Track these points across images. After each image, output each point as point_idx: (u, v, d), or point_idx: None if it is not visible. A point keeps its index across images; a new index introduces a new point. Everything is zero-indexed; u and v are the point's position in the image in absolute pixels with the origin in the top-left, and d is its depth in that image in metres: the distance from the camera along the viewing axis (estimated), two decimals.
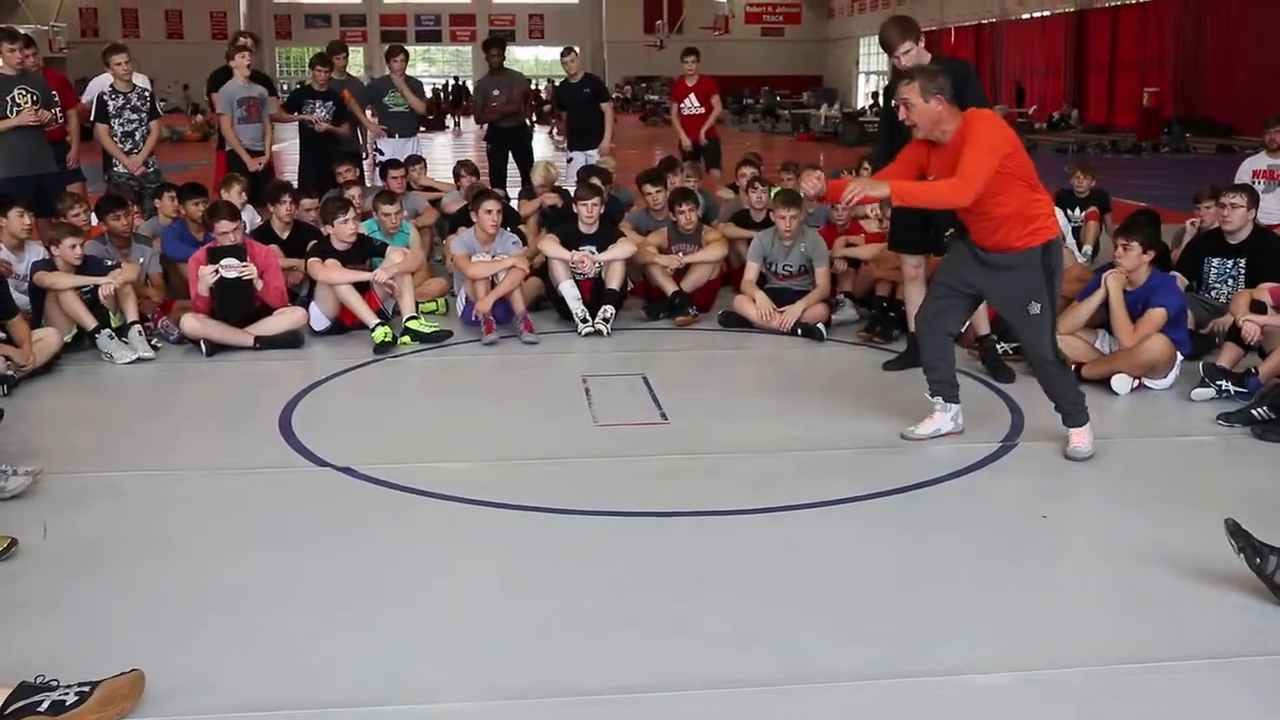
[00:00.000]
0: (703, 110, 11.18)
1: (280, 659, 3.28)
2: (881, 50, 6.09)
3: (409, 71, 10.88)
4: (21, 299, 6.73)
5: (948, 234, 6.05)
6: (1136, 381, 5.93)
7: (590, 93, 10.98)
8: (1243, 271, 6.65)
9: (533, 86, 38.61)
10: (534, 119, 20.20)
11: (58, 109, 8.76)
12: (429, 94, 45.40)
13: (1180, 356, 5.97)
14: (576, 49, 11.22)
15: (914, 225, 6.14)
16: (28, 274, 6.90)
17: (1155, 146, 25.11)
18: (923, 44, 5.95)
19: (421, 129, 11.64)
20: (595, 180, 8.49)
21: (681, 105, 11.29)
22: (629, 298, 7.91)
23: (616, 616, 3.55)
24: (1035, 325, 4.85)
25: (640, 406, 5.84)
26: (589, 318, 7.31)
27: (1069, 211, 8.84)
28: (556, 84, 11.75)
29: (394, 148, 10.43)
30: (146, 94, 9.07)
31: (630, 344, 7.21)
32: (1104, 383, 5.94)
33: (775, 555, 4.04)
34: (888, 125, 6.21)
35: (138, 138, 8.89)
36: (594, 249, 7.54)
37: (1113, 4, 32.07)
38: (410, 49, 56.59)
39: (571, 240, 7.57)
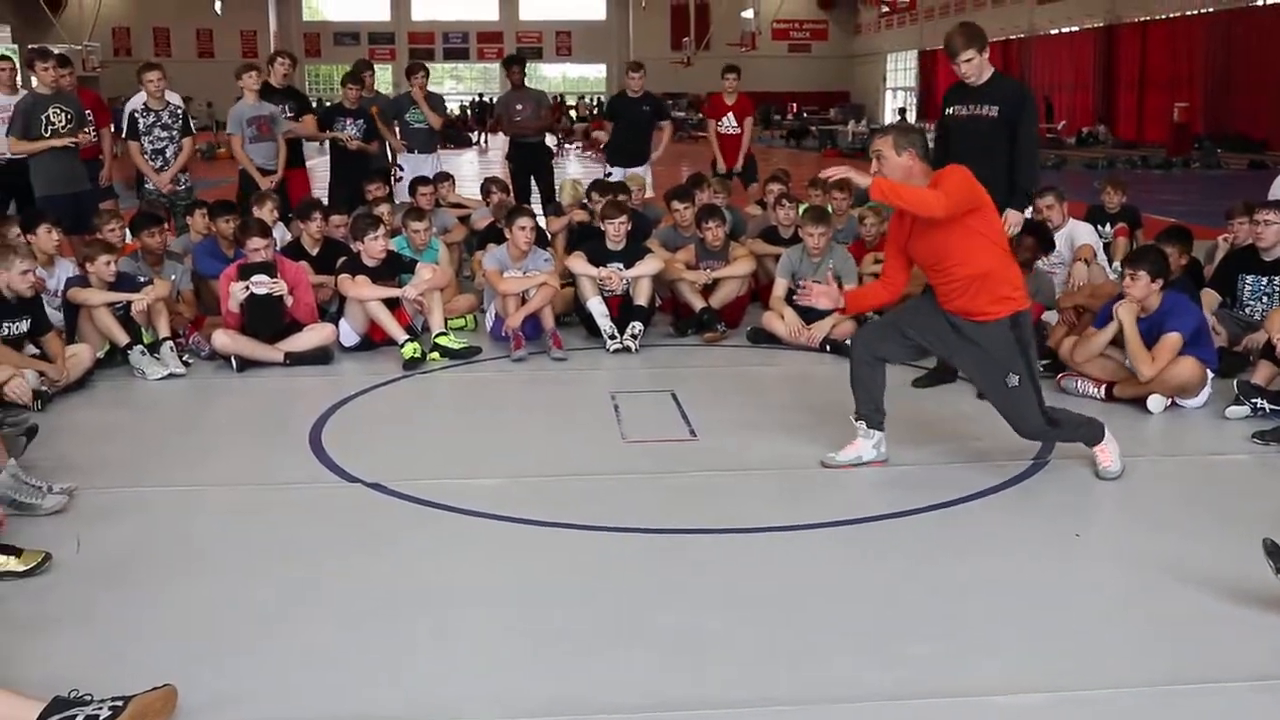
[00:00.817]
0: (739, 130, 11.09)
1: (309, 675, 3.29)
2: (949, 59, 5.99)
3: (431, 88, 10.91)
4: (55, 315, 6.80)
5: None
6: (1169, 400, 5.87)
7: (650, 110, 10.88)
8: (1278, 289, 6.59)
9: (566, 101, 38.68)
10: (562, 136, 20.28)
11: (91, 127, 8.86)
12: (456, 110, 45.56)
13: (1211, 374, 5.91)
14: (645, 68, 11.10)
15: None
16: (59, 290, 6.98)
17: (1186, 162, 24.94)
18: (988, 54, 5.88)
19: (448, 144, 11.70)
20: (620, 196, 8.51)
21: (718, 123, 11.18)
22: (657, 314, 7.91)
23: (643, 633, 3.54)
24: (1017, 398, 4.69)
25: (669, 423, 5.83)
26: (617, 334, 7.32)
27: (1099, 227, 8.78)
28: (600, 100, 11.66)
29: (414, 164, 10.47)
30: (179, 112, 9.15)
31: (659, 360, 7.21)
32: (1137, 400, 5.89)
33: (804, 573, 4.02)
34: (944, 135, 6.17)
35: (168, 155, 8.97)
36: (621, 266, 7.55)
37: (1142, 19, 31.91)
38: (438, 66, 56.96)
39: (599, 257, 7.58)
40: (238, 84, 9.55)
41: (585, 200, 9.26)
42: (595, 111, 40.04)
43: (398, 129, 10.71)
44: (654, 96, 11.14)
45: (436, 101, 10.93)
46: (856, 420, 5.05)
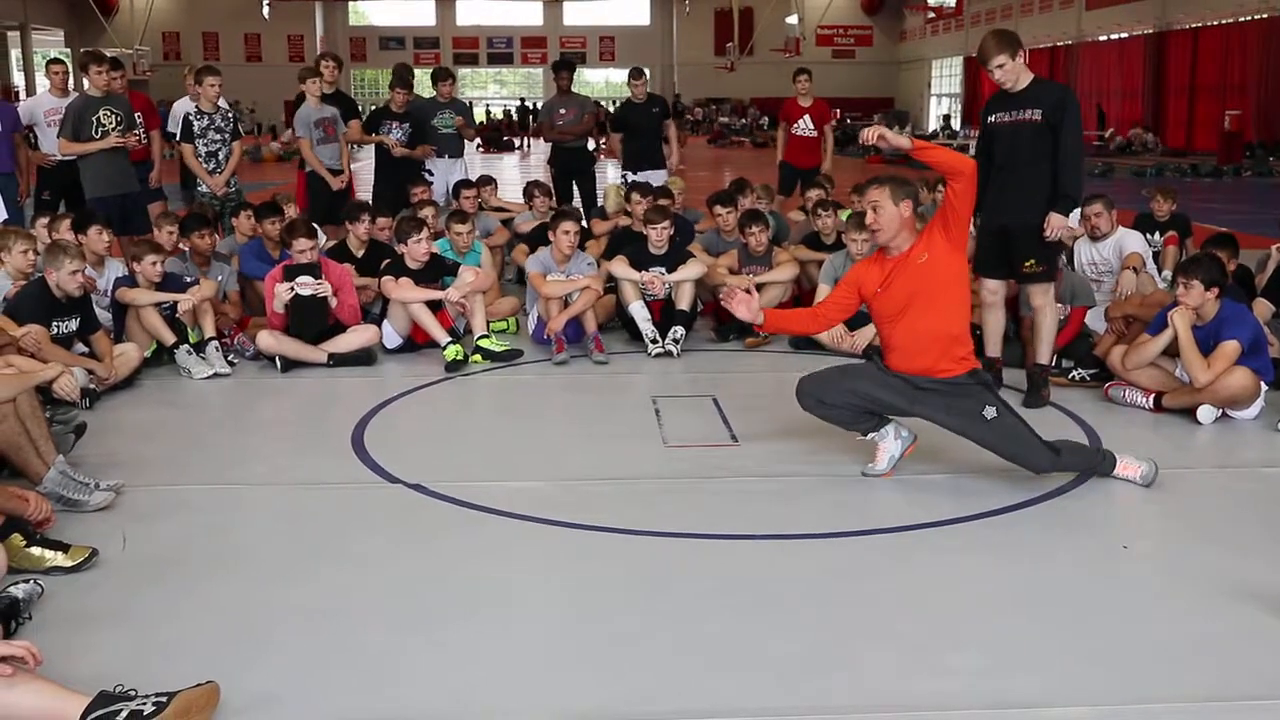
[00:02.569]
0: (816, 134, 11.06)
1: (350, 675, 3.29)
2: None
3: (474, 92, 11.00)
4: (103, 315, 6.88)
5: (1028, 264, 5.96)
6: (1220, 411, 5.77)
7: (658, 112, 10.92)
8: None
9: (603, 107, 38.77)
10: (602, 142, 20.26)
11: (141, 130, 8.97)
12: (499, 115, 45.51)
13: (1265, 386, 5.81)
14: (647, 72, 11.17)
15: (994, 250, 6.07)
16: (109, 290, 7.06)
17: (1237, 170, 24.60)
18: (1023, 59, 5.83)
19: (490, 148, 11.76)
20: (662, 201, 8.52)
21: (794, 127, 11.12)
22: (699, 319, 7.89)
23: (685, 640, 3.52)
24: (1003, 430, 4.67)
25: (710, 428, 5.82)
26: (659, 338, 7.31)
27: (1149, 236, 8.68)
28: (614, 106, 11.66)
29: (443, 168, 10.50)
30: (230, 115, 9.26)
31: (700, 365, 7.19)
32: (1187, 411, 5.81)
33: (846, 581, 3.98)
34: (986, 142, 6.13)
35: (221, 157, 9.07)
36: (664, 270, 7.54)
37: (1193, 25, 31.51)
38: (482, 71, 57.08)
39: (641, 261, 7.58)
40: (300, 88, 9.65)
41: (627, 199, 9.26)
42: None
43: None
44: (658, 98, 11.13)
45: (463, 108, 10.95)
46: (865, 437, 5.04)
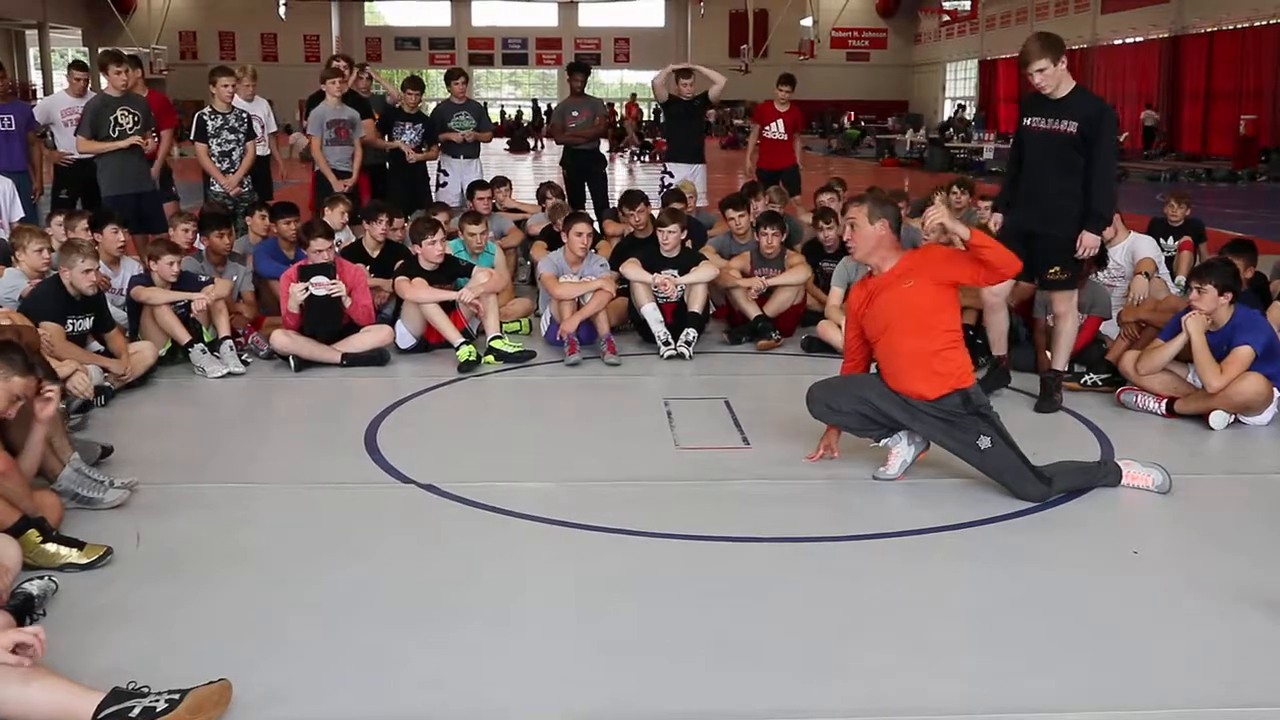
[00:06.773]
0: (786, 137, 11.20)
1: (361, 673, 3.31)
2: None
3: (489, 93, 11.00)
4: (119, 313, 6.92)
5: (1053, 271, 5.93)
6: (1233, 417, 5.76)
7: (699, 105, 10.94)
8: None
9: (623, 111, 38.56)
10: (616, 142, 20.27)
11: (154, 129, 9.02)
12: (513, 115, 45.44)
13: (1278, 392, 5.79)
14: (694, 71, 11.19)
15: (1016, 253, 6.04)
16: (124, 288, 7.10)
17: (1252, 175, 24.50)
18: (1064, 65, 5.74)
19: (507, 148, 11.75)
20: (676, 204, 8.52)
21: (765, 129, 11.29)
22: (711, 321, 7.90)
23: (696, 642, 3.53)
24: (996, 460, 4.70)
25: (722, 430, 5.82)
26: (671, 340, 7.32)
27: (1162, 241, 8.65)
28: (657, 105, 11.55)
29: (458, 169, 10.54)
30: (244, 115, 9.28)
31: (712, 368, 7.20)
32: (1199, 417, 5.79)
33: (857, 584, 3.99)
34: (1018, 146, 6.12)
35: (235, 157, 9.11)
36: (676, 272, 7.55)
37: (1209, 29, 31.37)
38: (497, 71, 56.98)
39: (654, 263, 7.59)
40: (321, 86, 9.69)
41: (620, 213, 9.26)
42: (655, 118, 39.83)
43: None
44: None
45: (480, 111, 10.98)
46: (878, 444, 5.06)
